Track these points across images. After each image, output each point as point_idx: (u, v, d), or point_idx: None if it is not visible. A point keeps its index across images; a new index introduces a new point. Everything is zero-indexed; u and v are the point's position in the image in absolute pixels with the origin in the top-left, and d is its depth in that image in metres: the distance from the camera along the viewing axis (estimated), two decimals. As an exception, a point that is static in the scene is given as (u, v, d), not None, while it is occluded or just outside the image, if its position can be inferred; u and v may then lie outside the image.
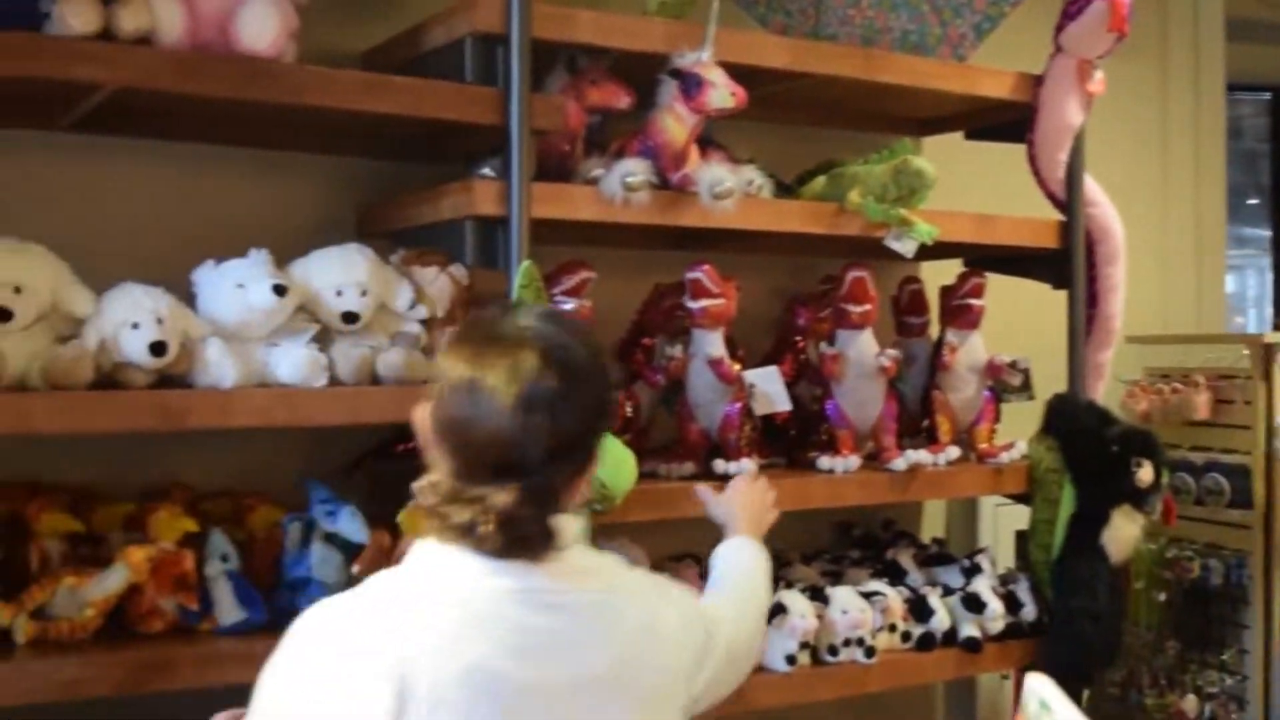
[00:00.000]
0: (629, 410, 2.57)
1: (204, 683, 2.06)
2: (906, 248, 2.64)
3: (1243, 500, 3.18)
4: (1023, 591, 2.84)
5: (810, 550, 3.00)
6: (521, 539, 1.48)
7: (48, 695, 1.96)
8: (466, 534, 1.47)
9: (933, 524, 3.34)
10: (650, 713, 1.58)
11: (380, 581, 1.53)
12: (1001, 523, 3.27)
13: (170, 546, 2.12)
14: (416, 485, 1.53)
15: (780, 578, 2.68)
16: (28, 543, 2.15)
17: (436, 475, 1.52)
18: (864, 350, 2.69)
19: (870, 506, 3.07)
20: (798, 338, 2.87)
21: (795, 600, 2.55)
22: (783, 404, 2.60)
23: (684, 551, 2.71)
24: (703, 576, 2.14)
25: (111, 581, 2.06)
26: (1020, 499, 2.92)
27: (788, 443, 2.79)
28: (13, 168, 2.35)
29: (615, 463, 2.22)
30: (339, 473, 2.51)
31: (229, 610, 2.15)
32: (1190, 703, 3.19)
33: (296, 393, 2.12)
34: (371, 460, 2.56)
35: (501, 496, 1.46)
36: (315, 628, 1.50)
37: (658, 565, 2.57)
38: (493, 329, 1.55)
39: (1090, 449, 2.77)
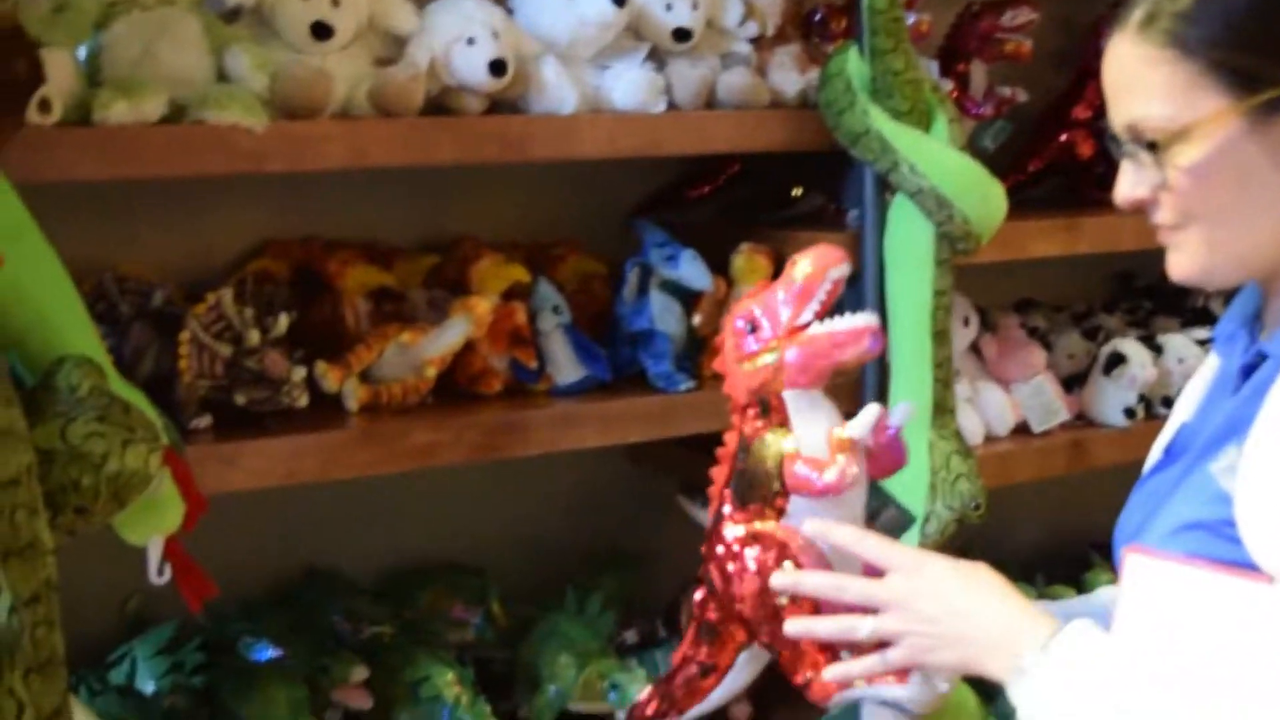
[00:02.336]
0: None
1: (557, 447, 1.85)
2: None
3: None
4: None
5: (1089, 304, 2.75)
6: None
7: (395, 465, 1.75)
8: None
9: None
10: None
11: None
12: None
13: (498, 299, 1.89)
14: None
15: (1096, 329, 2.46)
16: (329, 302, 1.92)
17: None
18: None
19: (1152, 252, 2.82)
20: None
21: (1134, 349, 2.32)
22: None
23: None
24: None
25: (451, 336, 1.83)
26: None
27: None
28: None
29: (982, 195, 1.96)
30: (624, 219, 2.27)
31: (567, 367, 1.93)
32: None
33: (643, 118, 1.86)
34: (659, 206, 2.30)
35: None
36: None
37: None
38: None
39: None
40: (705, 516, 2.12)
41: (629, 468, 2.32)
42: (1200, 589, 1.25)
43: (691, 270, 1.94)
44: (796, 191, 2.24)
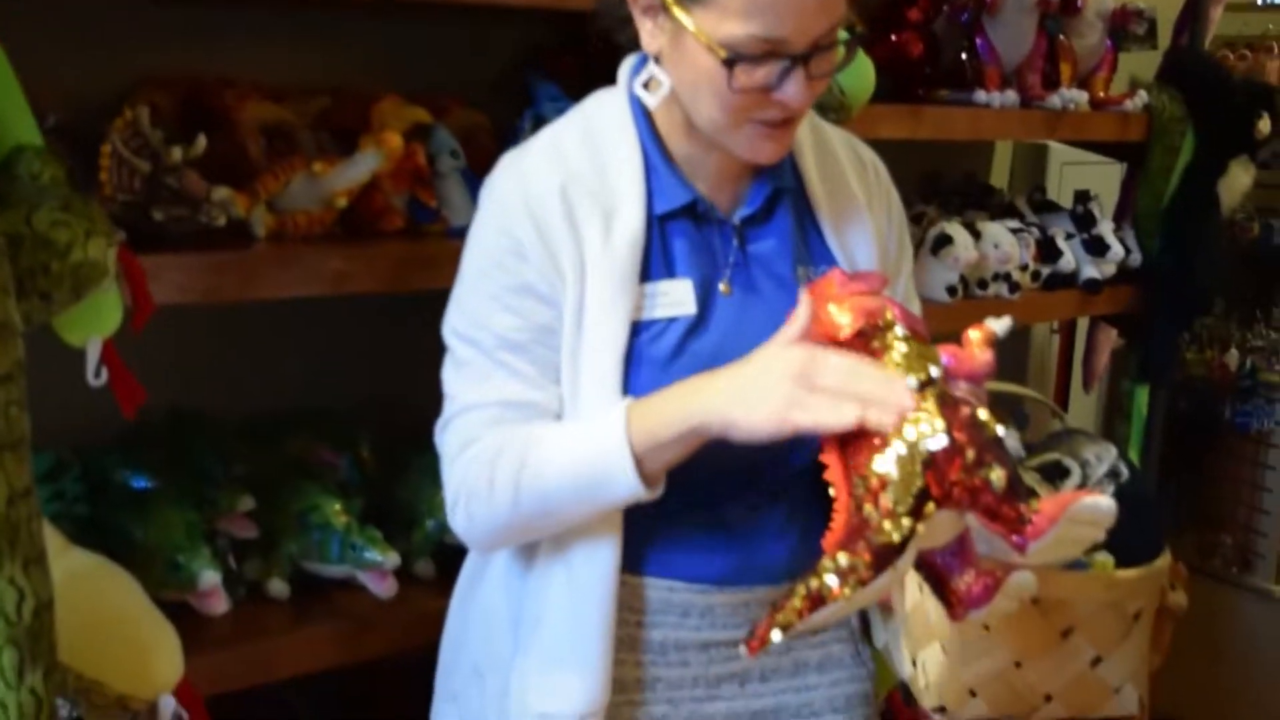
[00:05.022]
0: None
1: (459, 281, 1.90)
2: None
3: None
4: (1129, 238, 2.88)
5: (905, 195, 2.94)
6: None
7: (311, 289, 1.78)
8: None
9: (998, 175, 3.32)
10: None
11: None
12: (1065, 179, 3.29)
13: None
14: None
15: (921, 214, 2.65)
16: (222, 136, 1.91)
17: None
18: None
19: (954, 156, 3.06)
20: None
21: (958, 232, 2.52)
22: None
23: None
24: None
25: (361, 168, 1.86)
26: (1130, 150, 2.93)
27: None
28: None
29: (857, 68, 2.10)
30: (495, 80, 2.32)
31: (463, 210, 1.98)
32: (1232, 357, 3.30)
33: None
34: (532, 66, 2.36)
35: None
36: None
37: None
38: None
39: (1214, 100, 2.79)
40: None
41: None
42: None
43: (584, 124, 2.01)
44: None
